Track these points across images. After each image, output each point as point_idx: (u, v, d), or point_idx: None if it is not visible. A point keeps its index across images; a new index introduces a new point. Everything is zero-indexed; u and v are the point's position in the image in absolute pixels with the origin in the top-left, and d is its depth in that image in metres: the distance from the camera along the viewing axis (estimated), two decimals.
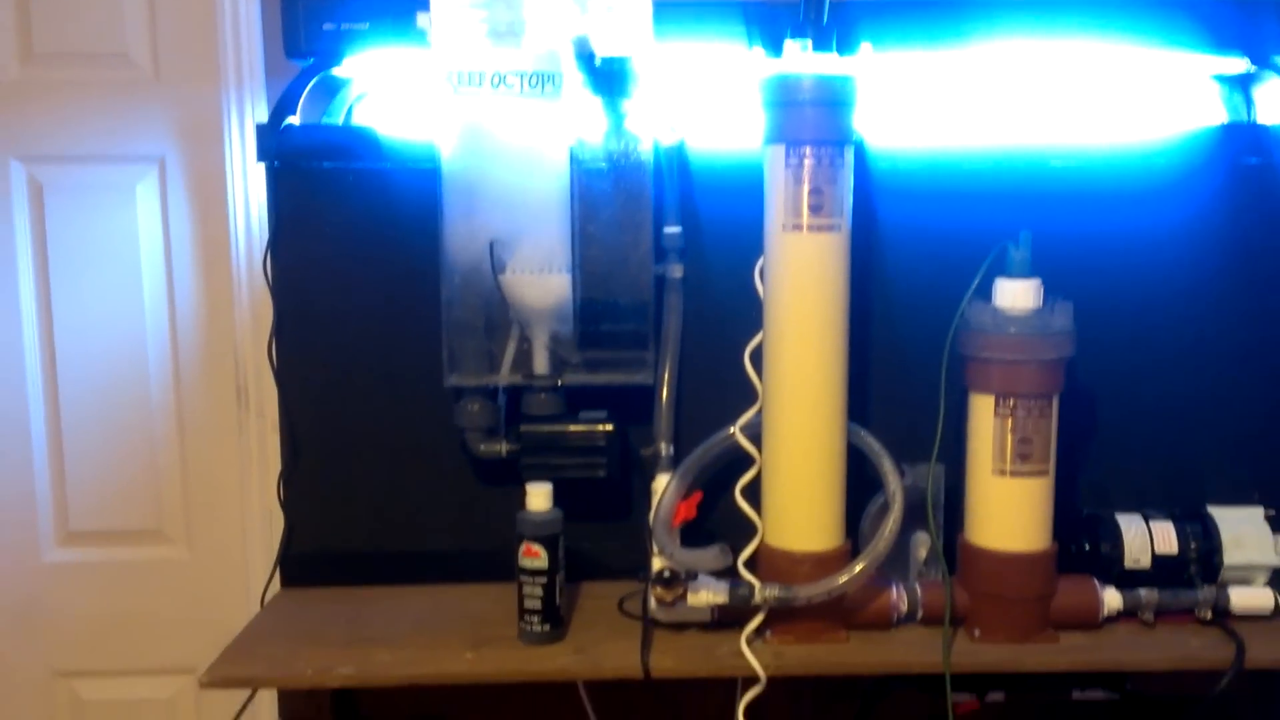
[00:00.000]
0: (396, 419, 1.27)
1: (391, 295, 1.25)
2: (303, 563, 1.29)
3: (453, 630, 1.16)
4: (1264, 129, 1.28)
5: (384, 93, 1.34)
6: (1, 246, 1.48)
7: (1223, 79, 1.32)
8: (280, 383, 1.28)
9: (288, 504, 1.29)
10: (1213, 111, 1.33)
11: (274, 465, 1.32)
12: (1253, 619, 1.17)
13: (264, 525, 1.52)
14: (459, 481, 1.27)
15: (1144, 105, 1.31)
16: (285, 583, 1.29)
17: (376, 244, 1.25)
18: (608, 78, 1.17)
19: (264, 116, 1.34)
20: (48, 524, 1.54)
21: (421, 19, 1.16)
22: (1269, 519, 1.20)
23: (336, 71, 1.29)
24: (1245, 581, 1.18)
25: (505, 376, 1.20)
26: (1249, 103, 1.33)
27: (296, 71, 1.28)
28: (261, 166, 1.25)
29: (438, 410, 1.24)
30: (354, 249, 1.26)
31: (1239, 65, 1.29)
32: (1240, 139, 1.28)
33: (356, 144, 1.25)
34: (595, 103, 1.18)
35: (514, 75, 1.15)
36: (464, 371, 1.20)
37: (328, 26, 1.24)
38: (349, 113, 1.35)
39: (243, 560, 1.55)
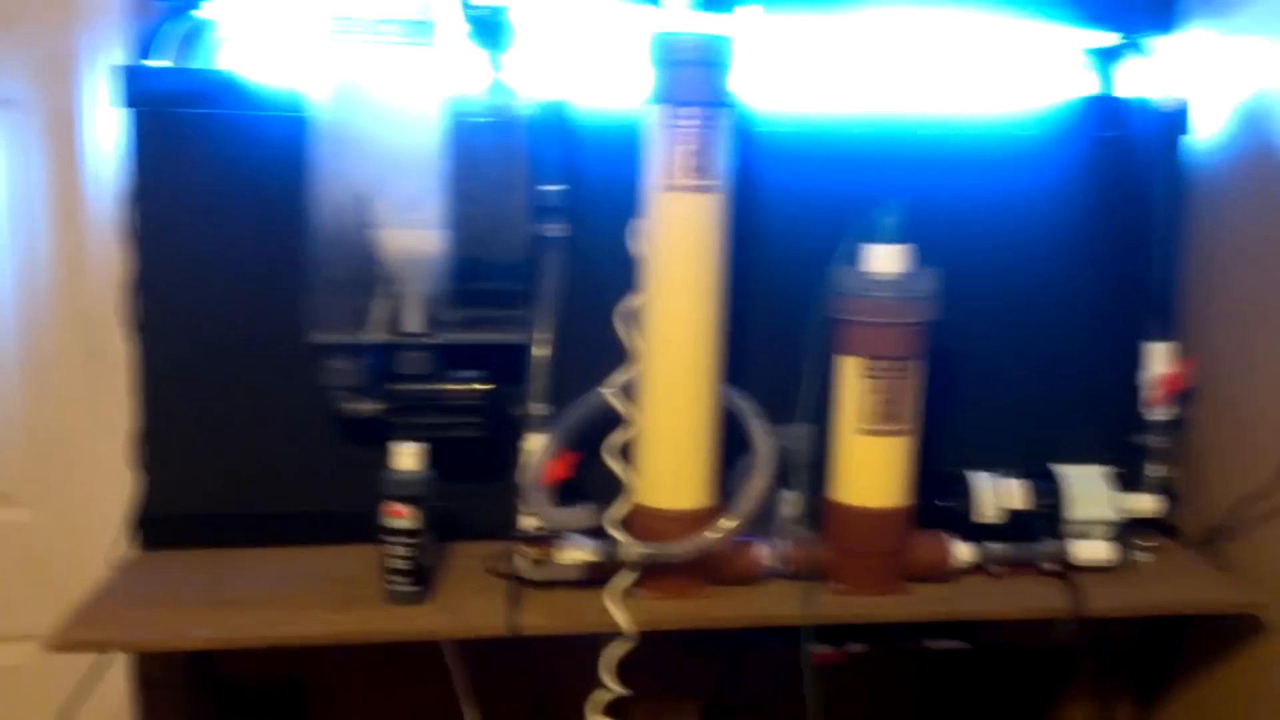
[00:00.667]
0: (261, 376, 1.23)
1: (258, 248, 1.21)
2: (159, 525, 1.24)
3: (316, 591, 1.14)
4: (1123, 102, 1.34)
5: (250, 37, 1.28)
6: None
7: (1092, 53, 1.37)
8: (138, 337, 1.22)
9: (144, 464, 1.23)
10: (1081, 85, 1.38)
11: (128, 424, 1.27)
12: (1093, 570, 1.24)
13: (117, 486, 1.45)
14: (326, 442, 1.24)
15: (1018, 77, 1.35)
16: (142, 545, 1.25)
17: (243, 194, 1.20)
18: (485, 28, 1.14)
19: (121, 58, 1.26)
20: None
21: None
22: (1110, 477, 1.28)
23: (199, 14, 1.23)
24: (1086, 535, 1.25)
25: (375, 334, 1.17)
26: (1109, 77, 1.39)
27: (156, 12, 1.21)
28: (119, 111, 1.18)
29: (304, 368, 1.20)
30: (219, 199, 1.21)
31: (1108, 39, 1.34)
32: (1101, 112, 1.34)
33: (223, 89, 1.19)
34: (474, 54, 1.15)
35: (389, 22, 1.11)
36: (332, 328, 1.16)
37: None
38: (213, 58, 1.28)
39: (93, 523, 1.47)
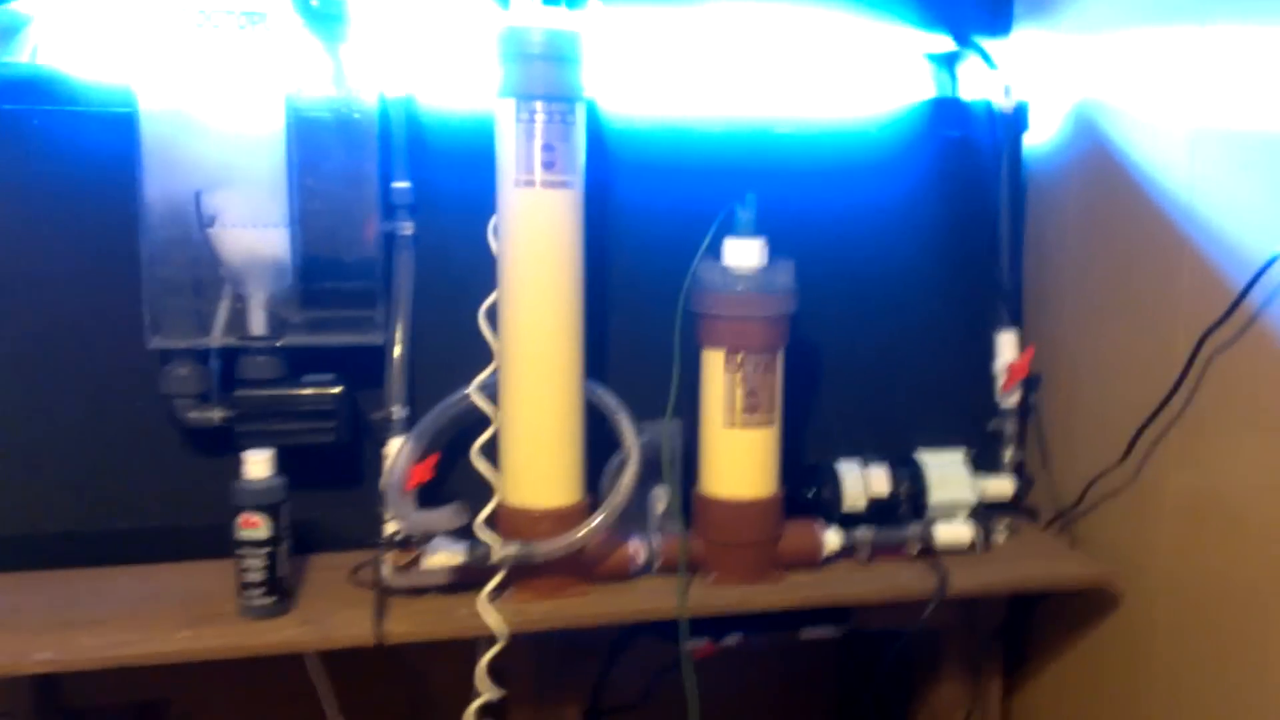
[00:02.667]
0: (95, 387, 1.17)
1: (86, 251, 1.14)
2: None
3: (169, 609, 1.08)
4: (966, 104, 1.39)
5: (71, 31, 1.21)
6: None
7: (932, 57, 1.42)
8: None
9: None
10: (924, 87, 1.43)
11: None
12: (956, 552, 1.28)
13: None
14: (169, 453, 1.18)
15: (863, 80, 1.38)
16: None
17: (68, 195, 1.14)
18: (324, 19, 1.11)
19: None
20: None
21: None
22: (968, 461, 1.31)
23: (14, 7, 1.15)
24: (950, 518, 1.29)
25: (218, 339, 1.12)
26: (954, 79, 1.44)
27: None
28: None
29: (143, 376, 1.15)
30: (42, 201, 1.14)
31: (945, 43, 1.39)
32: (945, 113, 1.39)
33: (42, 84, 1.13)
34: (314, 47, 1.12)
35: (222, 12, 1.07)
36: (170, 333, 1.11)
37: None
38: (31, 52, 1.21)
39: None
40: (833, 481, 1.27)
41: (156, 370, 1.13)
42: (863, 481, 1.28)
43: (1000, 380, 1.37)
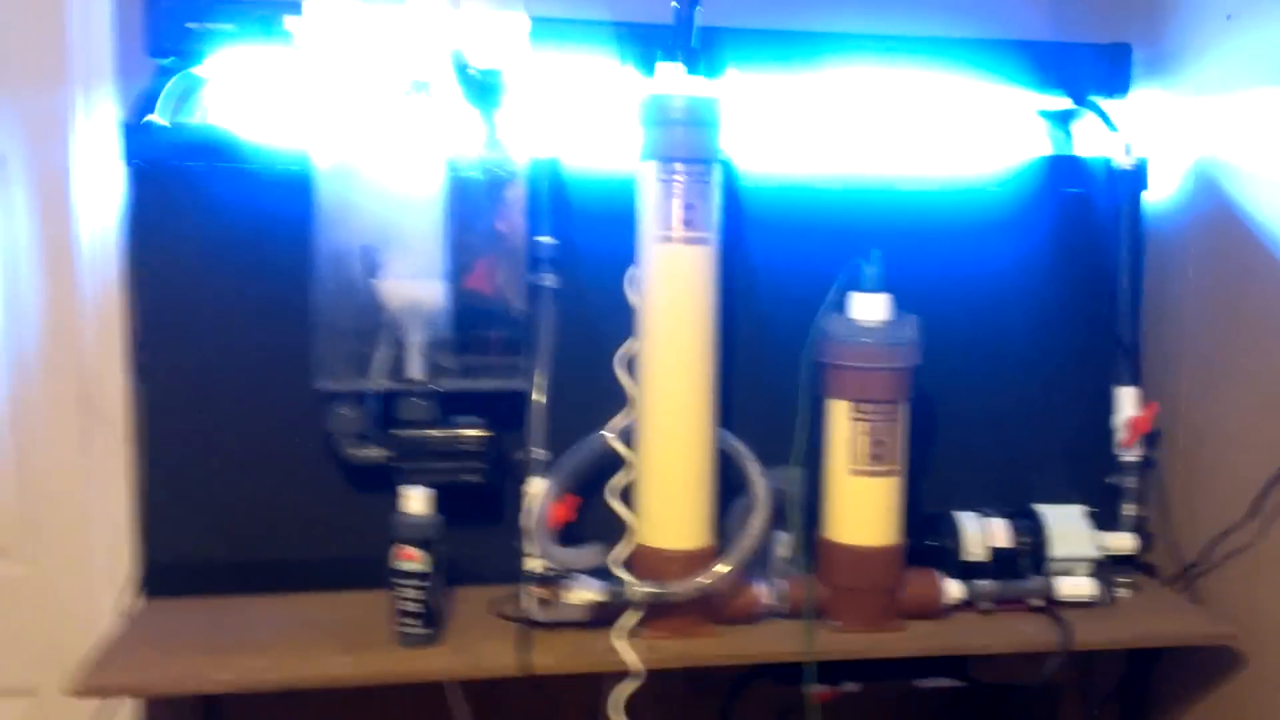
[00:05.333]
0: (264, 425, 1.25)
1: (260, 298, 1.24)
2: (164, 574, 1.25)
3: (326, 636, 1.15)
4: (1084, 162, 1.42)
5: (247, 92, 1.31)
6: None
7: (1049, 115, 1.46)
8: (139, 389, 1.24)
9: (147, 513, 1.24)
10: (1042, 145, 1.46)
11: (124, 476, 1.27)
12: (1076, 606, 1.28)
13: (111, 539, 1.44)
14: (329, 489, 1.26)
15: (983, 139, 1.43)
16: (148, 595, 1.25)
17: (245, 246, 1.24)
18: (483, 89, 1.19)
19: (115, 115, 1.29)
20: None
21: (289, 21, 1.16)
22: (1087, 516, 1.33)
23: (197, 70, 1.26)
24: (1069, 572, 1.30)
25: (378, 382, 1.20)
26: (1071, 137, 1.47)
27: (149, 69, 1.25)
28: (111, 166, 1.22)
29: (307, 416, 1.23)
30: (221, 251, 1.24)
31: (1063, 102, 1.43)
32: (1064, 171, 1.42)
33: (223, 144, 1.23)
34: (471, 113, 1.20)
35: (390, 81, 1.16)
36: (335, 375, 1.19)
37: (191, 25, 1.22)
38: (208, 112, 1.31)
39: (88, 577, 1.46)
40: (954, 532, 1.29)
41: (321, 410, 1.21)
42: (983, 533, 1.29)
43: (1121, 436, 1.38)
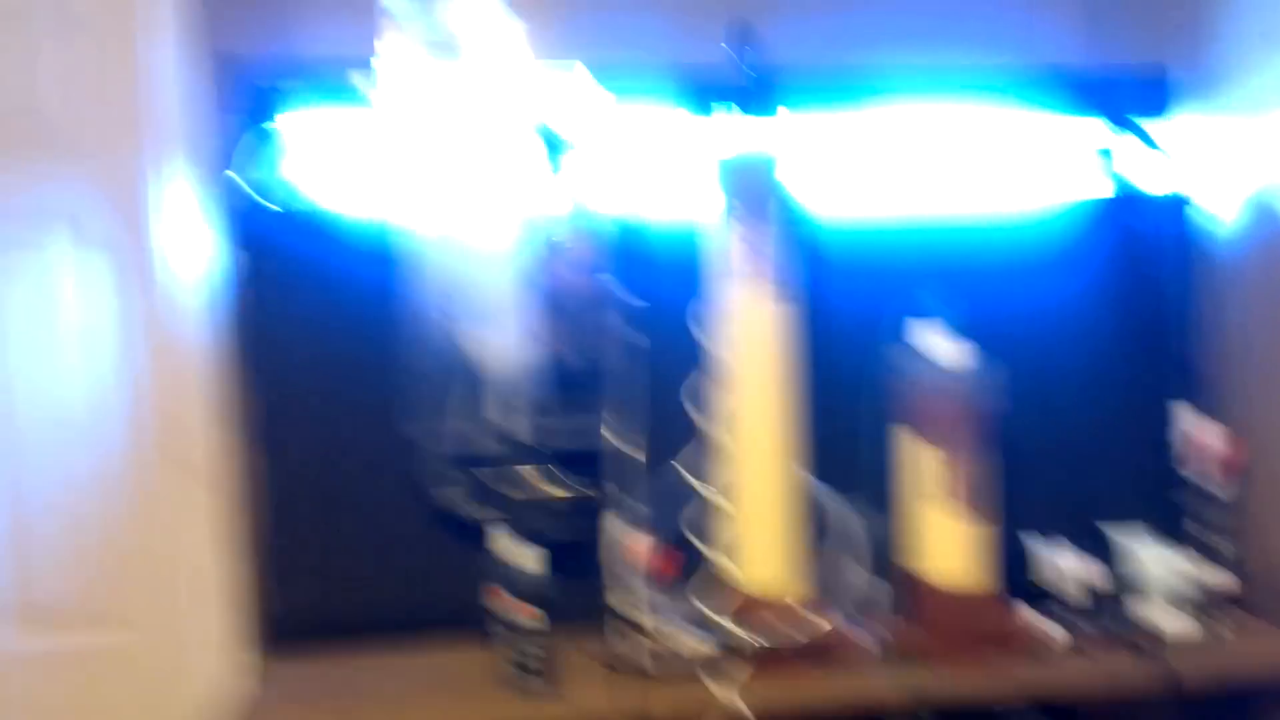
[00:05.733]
0: (370, 484, 1.31)
1: (362, 360, 1.30)
2: (283, 632, 1.31)
3: (448, 690, 1.19)
4: (1146, 197, 1.45)
5: (323, 152, 1.33)
6: None
7: (1107, 150, 1.47)
8: (255, 457, 1.30)
9: (263, 575, 1.31)
10: (1097, 177, 1.47)
11: (221, 539, 1.33)
12: (1176, 643, 1.28)
13: (215, 604, 1.47)
14: (435, 543, 1.31)
15: (1043, 177, 1.45)
16: (266, 654, 1.31)
17: (348, 320, 1.30)
18: (564, 147, 1.25)
19: (191, 174, 1.31)
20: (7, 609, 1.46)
21: (356, 78, 1.20)
22: (1182, 553, 1.33)
23: (272, 125, 1.30)
24: (1164, 609, 1.30)
25: (481, 440, 1.26)
26: (1131, 174, 1.48)
27: (221, 127, 1.29)
28: (188, 229, 1.28)
29: (412, 474, 1.28)
30: (322, 318, 1.30)
31: (1122, 137, 1.45)
32: (1124, 204, 1.44)
33: (320, 223, 1.29)
34: (555, 171, 1.26)
35: (473, 145, 1.21)
36: (440, 437, 1.25)
37: (262, 84, 1.27)
38: (283, 169, 1.34)
39: (193, 643, 1.49)
40: (1048, 569, 1.31)
41: (426, 468, 1.27)
42: (1078, 570, 1.31)
43: (1209, 472, 1.39)
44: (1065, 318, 1.44)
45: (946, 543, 1.24)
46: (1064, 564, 1.31)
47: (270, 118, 1.28)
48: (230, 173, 1.27)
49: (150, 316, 1.41)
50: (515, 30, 1.22)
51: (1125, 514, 1.40)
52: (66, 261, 1.38)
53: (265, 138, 1.30)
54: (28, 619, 1.46)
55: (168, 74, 1.38)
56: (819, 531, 1.27)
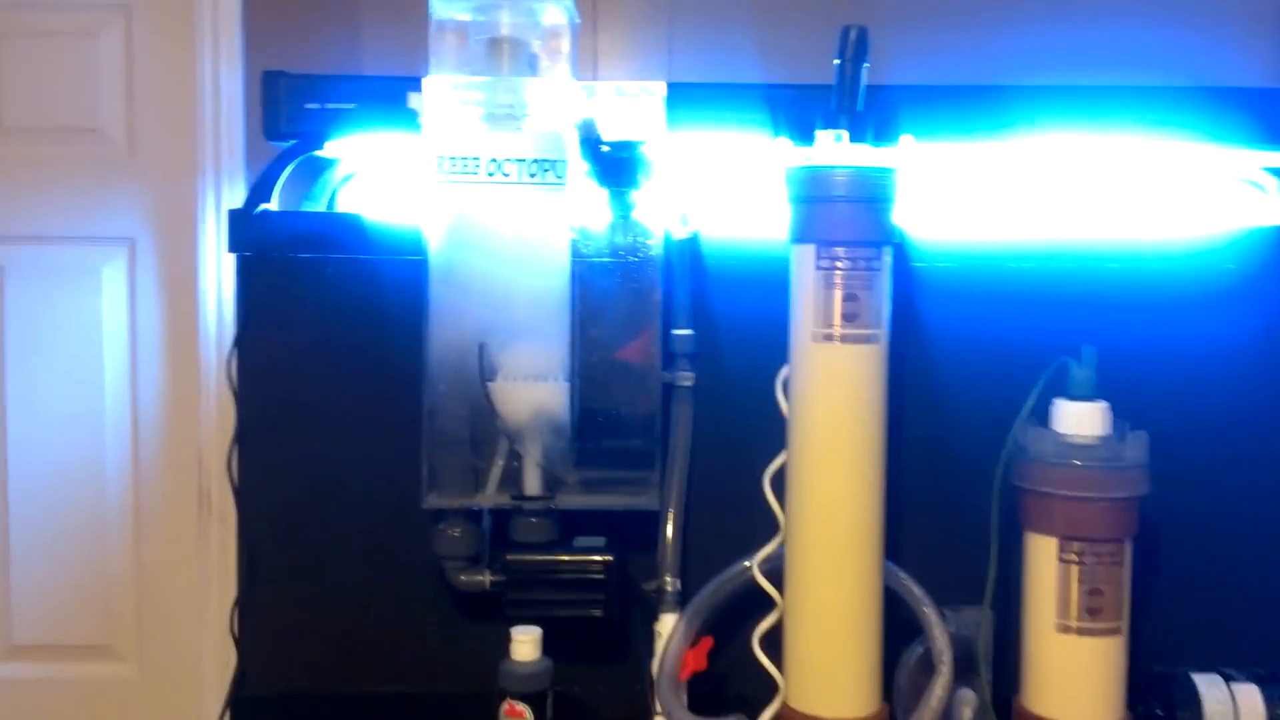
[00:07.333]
0: (367, 542, 1.13)
1: (368, 402, 1.13)
2: (258, 705, 1.14)
3: None
4: None
5: (372, 176, 1.24)
6: None
7: (1275, 171, 1.21)
8: (240, 497, 1.14)
9: (243, 638, 1.15)
10: (1265, 208, 1.22)
11: (234, 579, 1.18)
12: None
13: (222, 643, 1.37)
14: (436, 615, 1.13)
15: (1192, 201, 1.22)
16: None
17: (353, 343, 1.13)
18: (615, 166, 1.06)
19: (242, 200, 1.23)
20: None
21: (413, 99, 1.06)
22: None
23: (322, 152, 1.19)
24: None
25: (491, 497, 1.06)
26: None
27: (276, 153, 1.18)
28: (231, 256, 1.14)
29: (415, 533, 1.10)
30: (329, 347, 1.14)
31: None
32: None
33: (336, 232, 1.14)
34: (600, 193, 1.07)
35: (512, 162, 1.04)
36: (445, 491, 1.06)
37: (311, 106, 1.16)
38: (333, 197, 1.24)
39: (197, 681, 1.40)
40: (1191, 701, 1.04)
41: (428, 527, 1.08)
42: (1231, 703, 1.04)
43: None
44: (1245, 384, 1.14)
45: (1066, 666, 0.99)
46: (1212, 694, 1.04)
47: (321, 142, 1.18)
48: (270, 200, 1.15)
49: (187, 341, 1.40)
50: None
51: None
52: (117, 286, 1.38)
53: (317, 161, 1.21)
54: (19, 649, 1.42)
55: (226, 97, 1.40)
56: (895, 632, 1.03)
